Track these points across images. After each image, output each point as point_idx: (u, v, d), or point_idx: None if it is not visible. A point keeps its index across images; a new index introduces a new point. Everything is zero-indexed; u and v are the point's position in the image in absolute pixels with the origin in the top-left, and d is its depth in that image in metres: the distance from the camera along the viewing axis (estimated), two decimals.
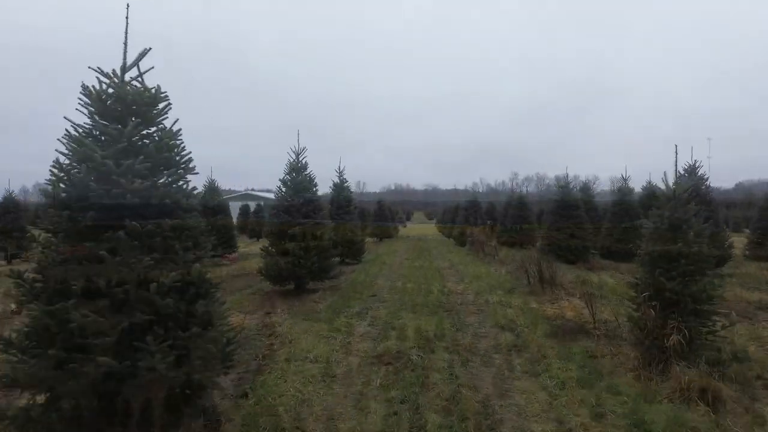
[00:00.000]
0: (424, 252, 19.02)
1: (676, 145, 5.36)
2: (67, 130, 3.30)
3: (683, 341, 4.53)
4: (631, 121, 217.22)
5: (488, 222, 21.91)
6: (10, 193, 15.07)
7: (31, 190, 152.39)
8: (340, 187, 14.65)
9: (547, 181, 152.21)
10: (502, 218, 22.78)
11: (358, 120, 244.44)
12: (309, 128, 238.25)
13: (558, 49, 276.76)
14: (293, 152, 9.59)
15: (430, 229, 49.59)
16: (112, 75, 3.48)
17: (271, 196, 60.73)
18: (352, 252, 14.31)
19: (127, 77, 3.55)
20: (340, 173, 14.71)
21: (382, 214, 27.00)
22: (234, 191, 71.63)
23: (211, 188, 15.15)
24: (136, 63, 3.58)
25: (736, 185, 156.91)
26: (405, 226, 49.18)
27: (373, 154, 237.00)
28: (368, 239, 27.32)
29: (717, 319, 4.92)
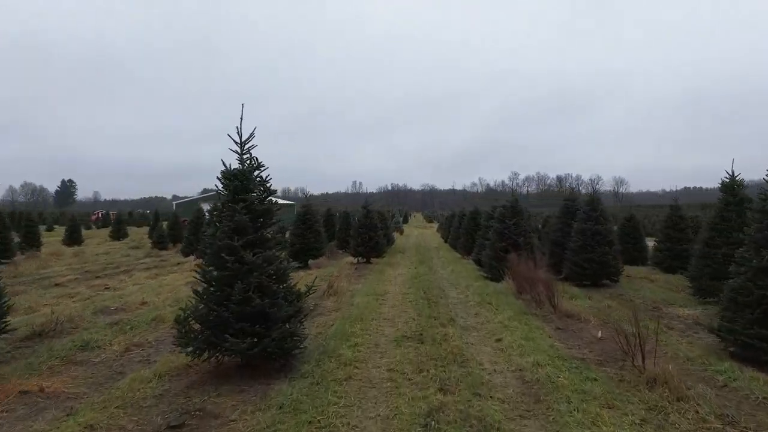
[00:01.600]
0: (436, 301, 10.06)
1: None
2: None
3: None
4: (631, 120, 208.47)
5: (525, 236, 13.01)
6: None
7: (18, 190, 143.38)
8: (240, 179, 5.64)
9: (548, 181, 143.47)
10: (559, 235, 13.83)
11: (355, 120, 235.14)
12: (306, 128, 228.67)
13: (557, 49, 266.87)
14: None
15: (431, 235, 40.68)
16: None
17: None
18: (269, 346, 5.31)
19: None
20: (242, 146, 5.66)
21: (371, 224, 18.07)
22: (209, 190, 62.65)
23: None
24: None
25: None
26: (402, 233, 40.27)
27: (370, 154, 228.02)
28: (350, 260, 18.39)
29: None
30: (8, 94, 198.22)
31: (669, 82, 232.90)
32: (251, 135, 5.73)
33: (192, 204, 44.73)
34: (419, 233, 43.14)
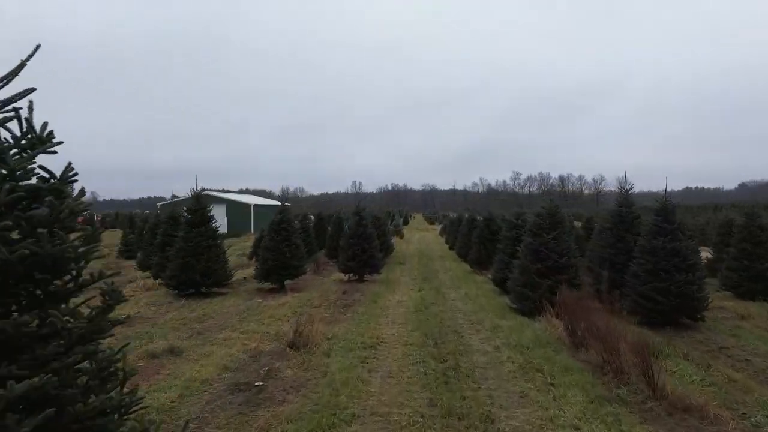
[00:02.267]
0: (455, 364, 6.43)
1: None
2: None
3: None
4: (633, 120, 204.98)
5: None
6: None
7: None
8: None
9: (551, 181, 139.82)
10: (611, 253, 10.26)
11: (355, 119, 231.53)
12: (305, 127, 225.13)
13: (558, 48, 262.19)
14: None
15: (434, 239, 37.25)
16: None
17: (236, 197, 48.27)
18: None
19: None
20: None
21: (364, 234, 14.56)
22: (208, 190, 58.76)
23: None
24: None
25: (739, 186, 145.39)
26: (402, 237, 36.80)
27: (370, 154, 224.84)
28: (339, 277, 14.94)
29: None
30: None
31: (670, 81, 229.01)
32: (22, 65, 2.22)
33: (182, 205, 41.14)
34: (420, 237, 39.67)
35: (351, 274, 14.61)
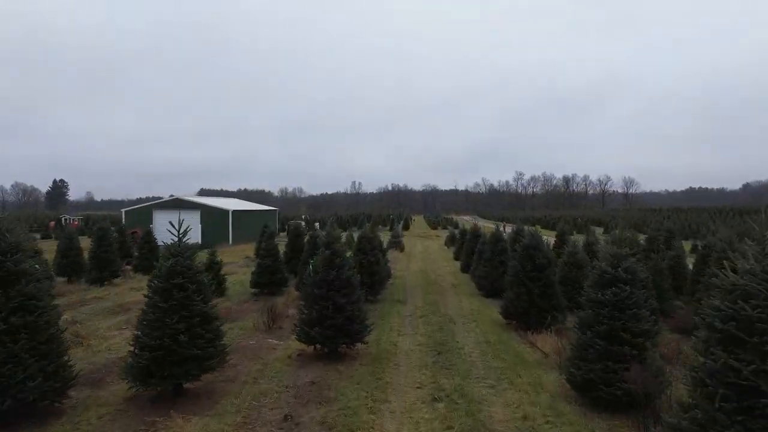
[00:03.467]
0: None
1: None
2: None
3: None
4: (635, 120, 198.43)
5: None
6: None
7: (9, 190, 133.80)
8: None
9: (555, 182, 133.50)
10: None
11: (356, 120, 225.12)
12: (305, 128, 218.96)
13: (561, 47, 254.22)
14: None
15: (438, 250, 31.27)
16: None
17: (211, 202, 42.29)
18: None
19: None
20: None
21: (339, 280, 8.52)
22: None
23: None
24: None
25: (743, 186, 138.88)
26: (402, 249, 30.75)
27: (370, 154, 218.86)
28: (299, 347, 8.90)
29: None
30: (6, 93, 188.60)
31: (674, 81, 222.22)
32: None
33: (143, 211, 35.13)
34: (424, 249, 33.61)
35: (317, 345, 8.63)
